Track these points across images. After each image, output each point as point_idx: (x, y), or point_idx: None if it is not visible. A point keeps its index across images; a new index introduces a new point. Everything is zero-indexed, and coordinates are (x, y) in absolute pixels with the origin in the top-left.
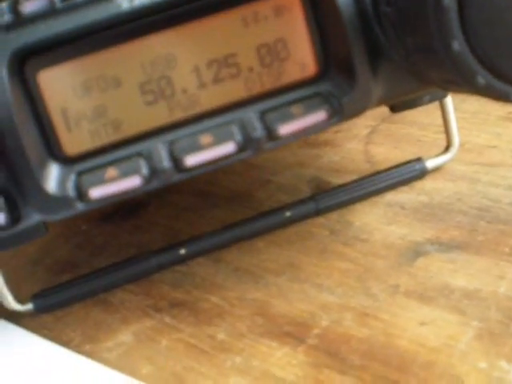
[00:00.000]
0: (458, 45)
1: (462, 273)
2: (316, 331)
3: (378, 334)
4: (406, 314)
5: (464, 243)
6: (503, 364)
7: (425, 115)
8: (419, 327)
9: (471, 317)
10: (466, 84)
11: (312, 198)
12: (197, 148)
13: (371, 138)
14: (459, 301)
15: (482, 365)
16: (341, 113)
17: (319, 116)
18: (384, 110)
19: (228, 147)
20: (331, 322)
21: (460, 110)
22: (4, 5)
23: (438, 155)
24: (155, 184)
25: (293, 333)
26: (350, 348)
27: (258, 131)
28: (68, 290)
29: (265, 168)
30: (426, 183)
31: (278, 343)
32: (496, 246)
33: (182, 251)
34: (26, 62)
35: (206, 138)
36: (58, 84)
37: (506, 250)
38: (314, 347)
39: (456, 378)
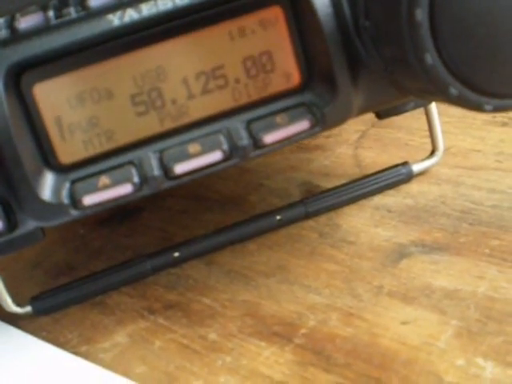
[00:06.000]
0: (430, 58)
1: (443, 273)
2: (303, 331)
3: (361, 334)
4: (389, 314)
5: (446, 245)
6: (480, 361)
7: (413, 120)
8: (401, 326)
9: (451, 316)
10: (439, 95)
11: (302, 201)
12: (185, 157)
13: (361, 142)
14: (440, 301)
15: (460, 362)
16: (323, 122)
17: (302, 125)
18: (373, 115)
19: (215, 156)
20: (318, 322)
21: (446, 114)
22: (0, 21)
23: (423, 159)
24: (146, 191)
25: (281, 333)
26: (334, 347)
27: (244, 140)
28: (66, 292)
29: (257, 172)
30: (412, 186)
31: (267, 343)
32: (477, 247)
33: (176, 254)
34: (22, 75)
35: (194, 147)
36: (53, 96)
37: (487, 251)
38: (300, 346)
39: (435, 374)
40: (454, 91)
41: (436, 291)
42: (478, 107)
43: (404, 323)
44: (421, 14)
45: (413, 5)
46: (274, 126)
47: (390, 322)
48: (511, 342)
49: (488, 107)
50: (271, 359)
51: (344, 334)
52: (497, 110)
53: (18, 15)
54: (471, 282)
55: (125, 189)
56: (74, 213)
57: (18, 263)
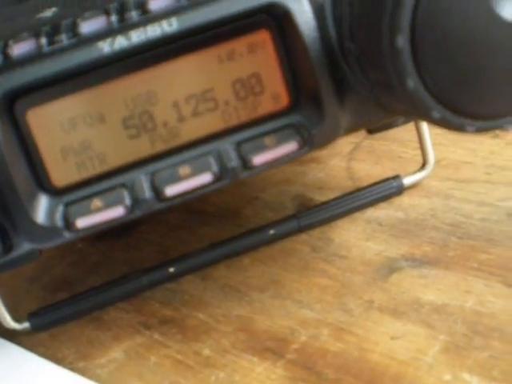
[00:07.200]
0: (412, 82)
1: (432, 288)
2: (295, 346)
3: (352, 349)
4: (379, 329)
5: (435, 259)
6: (466, 376)
7: (405, 132)
8: (390, 341)
9: (439, 331)
10: (422, 117)
11: (295, 216)
12: (176, 179)
13: (354, 154)
14: (428, 315)
15: (447, 377)
16: (311, 143)
17: (291, 146)
18: None
19: (205, 177)
20: (309, 337)
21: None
22: None
23: (414, 172)
24: (138, 213)
25: (273, 348)
26: (325, 362)
27: (234, 162)
28: (63, 308)
29: (253, 185)
30: (404, 199)
31: (259, 358)
32: (465, 261)
33: (172, 269)
34: (16, 101)
35: (184, 170)
36: (46, 121)
37: (475, 265)
38: (292, 362)
39: None
40: (436, 114)
41: (425, 306)
42: (460, 129)
43: (393, 338)
44: (402, 40)
45: (394, 31)
46: (262, 148)
47: (380, 337)
48: (496, 357)
49: (470, 128)
50: (263, 375)
51: (335, 350)
52: (479, 131)
53: (10, 42)
54: (459, 296)
55: (117, 211)
56: (68, 235)
57: (15, 278)
